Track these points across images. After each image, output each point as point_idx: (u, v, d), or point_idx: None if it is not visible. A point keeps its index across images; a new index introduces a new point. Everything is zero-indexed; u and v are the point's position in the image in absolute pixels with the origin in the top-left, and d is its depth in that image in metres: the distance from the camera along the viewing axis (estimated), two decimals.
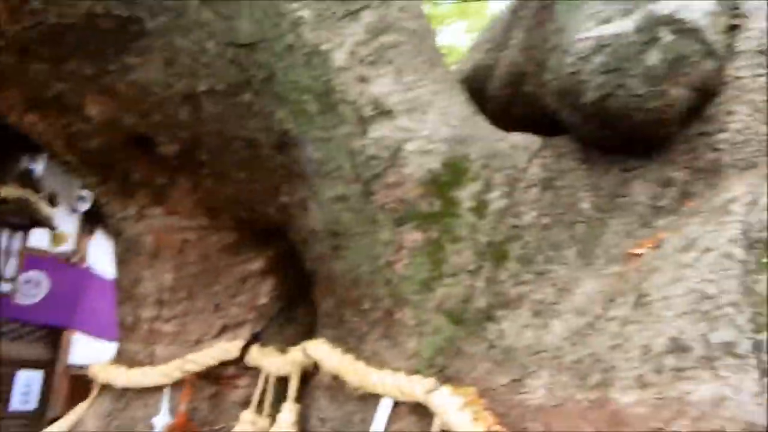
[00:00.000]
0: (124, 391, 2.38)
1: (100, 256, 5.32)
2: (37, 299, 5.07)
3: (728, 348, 1.32)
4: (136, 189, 2.21)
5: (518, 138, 1.95)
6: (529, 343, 1.65)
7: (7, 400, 4.95)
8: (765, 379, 1.27)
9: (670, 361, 1.38)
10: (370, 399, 1.87)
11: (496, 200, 1.84)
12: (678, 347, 1.38)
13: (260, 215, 2.21)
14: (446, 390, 1.68)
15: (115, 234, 2.43)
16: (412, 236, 1.83)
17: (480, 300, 1.75)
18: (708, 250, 1.45)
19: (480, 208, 1.83)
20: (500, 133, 1.97)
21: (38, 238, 4.36)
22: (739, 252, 1.39)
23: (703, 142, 1.77)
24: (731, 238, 1.42)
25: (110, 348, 2.72)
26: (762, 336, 1.30)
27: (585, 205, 1.82)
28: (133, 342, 2.38)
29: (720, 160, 1.75)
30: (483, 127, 2.01)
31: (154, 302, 2.33)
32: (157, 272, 2.31)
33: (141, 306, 2.35)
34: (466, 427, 1.58)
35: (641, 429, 1.38)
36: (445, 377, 1.73)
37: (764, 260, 1.35)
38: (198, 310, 2.34)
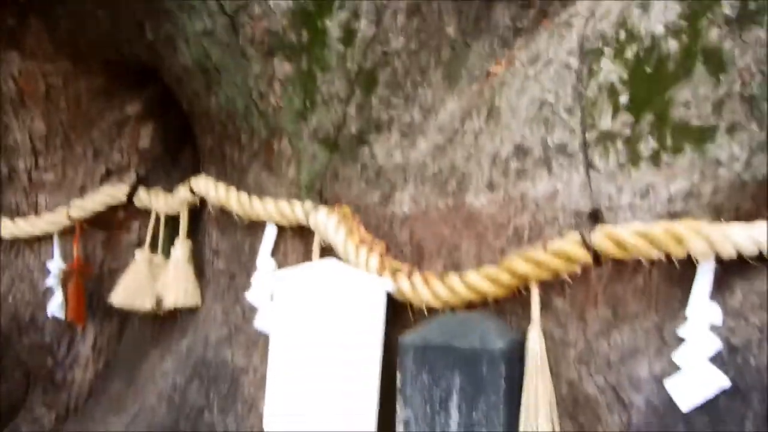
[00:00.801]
0: (14, 242, 2.38)
1: None
2: None
3: (561, 149, 1.48)
4: None
5: None
6: (397, 162, 1.77)
7: None
8: (591, 173, 1.45)
9: (514, 164, 1.54)
10: (256, 227, 1.98)
11: (364, 28, 1.85)
12: (520, 151, 1.53)
13: (128, 56, 2.13)
14: (323, 211, 1.80)
15: None
16: (283, 68, 1.85)
17: (352, 126, 1.83)
18: (549, 62, 1.57)
19: (348, 36, 1.84)
20: None
21: None
22: (574, 62, 1.52)
23: None
24: (569, 49, 1.54)
25: None
26: (589, 135, 1.46)
27: (450, 30, 1.88)
28: (14, 194, 2.33)
29: None
30: None
31: (29, 151, 2.27)
32: (25, 120, 2.23)
33: (15, 156, 2.28)
34: (343, 240, 1.72)
35: (491, 225, 1.56)
36: (323, 200, 1.85)
37: (595, 68, 1.48)
38: (78, 157, 2.30)
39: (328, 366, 1.66)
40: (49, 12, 1.96)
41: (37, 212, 2.33)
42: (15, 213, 2.35)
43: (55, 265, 2.32)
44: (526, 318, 1.48)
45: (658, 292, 1.41)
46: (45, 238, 2.36)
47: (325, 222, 1.77)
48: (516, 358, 1.42)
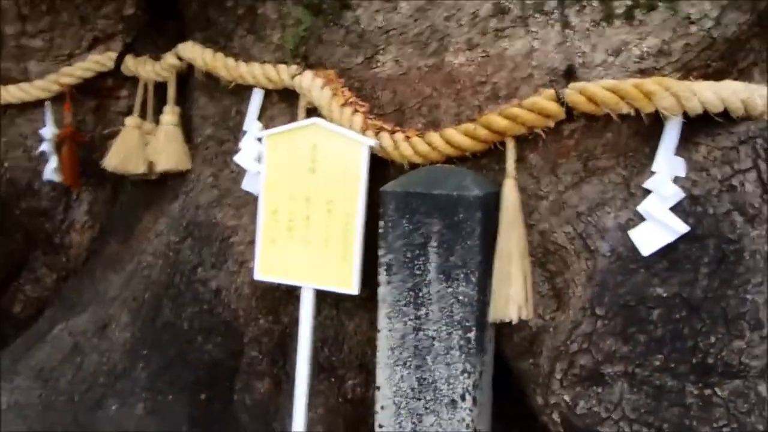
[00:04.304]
0: (6, 109, 2.29)
1: None
2: None
3: (538, 7, 1.43)
4: None
5: None
6: (380, 25, 1.70)
7: None
8: (566, 31, 1.41)
9: (493, 23, 1.49)
10: (243, 91, 1.92)
11: None
12: (499, 10, 1.47)
13: None
14: (309, 74, 1.74)
15: None
16: None
17: None
18: None
19: None
20: None
21: None
22: None
23: None
24: None
25: None
26: None
27: None
28: (3, 60, 2.22)
29: None
30: None
31: (15, 17, 2.14)
32: None
33: (2, 22, 2.15)
34: (327, 101, 1.68)
35: (470, 84, 1.53)
36: (308, 64, 1.79)
37: None
38: (64, 23, 2.18)
39: (314, 220, 1.67)
40: None
41: (27, 79, 2.23)
42: (6, 80, 2.24)
43: (49, 130, 2.25)
44: (502, 173, 1.48)
45: (626, 146, 1.41)
46: (36, 105, 2.28)
47: (311, 84, 1.72)
48: (491, 207, 1.44)
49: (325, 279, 1.67)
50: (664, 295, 1.34)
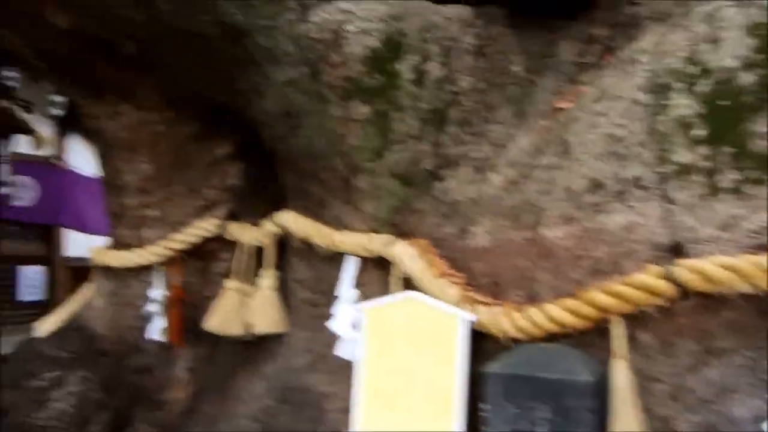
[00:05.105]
0: (121, 272, 2.43)
1: (78, 157, 5.21)
2: (29, 201, 5.03)
3: (636, 182, 1.39)
4: (105, 90, 2.16)
5: (451, 10, 1.89)
6: (471, 196, 1.71)
7: (15, 293, 5.04)
8: (669, 205, 1.35)
9: (589, 197, 1.45)
10: (338, 258, 1.95)
11: (434, 70, 1.82)
12: (595, 185, 1.44)
13: (221, 104, 2.16)
14: (402, 244, 1.75)
15: (94, 132, 2.38)
16: (360, 110, 1.82)
17: (426, 162, 1.78)
18: (618, 98, 1.48)
19: (419, 78, 1.81)
20: (434, 7, 1.92)
21: (22, 145, 4.27)
22: (644, 97, 1.42)
23: None
24: (637, 85, 1.45)
25: (98, 241, 2.74)
26: (664, 169, 1.36)
27: (516, 68, 1.82)
28: (123, 228, 2.40)
29: (639, 14, 1.74)
30: (417, 2, 1.95)
31: (137, 191, 2.33)
32: (135, 164, 2.30)
33: (125, 195, 2.35)
34: (422, 272, 1.67)
35: (568, 258, 1.47)
36: (401, 233, 1.80)
37: (666, 102, 1.39)
38: (177, 194, 2.35)
39: (411, 396, 1.60)
40: (158, 70, 2.02)
41: (142, 245, 2.38)
42: (124, 246, 2.40)
43: (158, 292, 2.36)
44: (605, 350, 1.38)
45: (750, 326, 1.28)
46: (146, 268, 2.40)
47: (404, 254, 1.72)
48: (603, 391, 1.33)
49: None
50: None
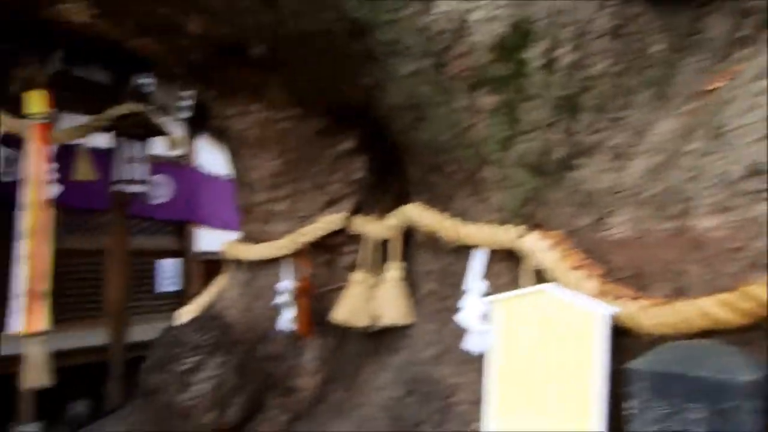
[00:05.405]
0: (252, 264, 2.57)
1: (207, 157, 5.58)
2: (163, 199, 5.44)
3: None
4: (236, 90, 2.28)
5: None
6: (609, 184, 1.64)
7: (155, 284, 5.50)
8: None
9: (748, 185, 1.35)
10: (465, 250, 1.94)
11: (565, 55, 1.76)
12: (755, 171, 1.33)
13: (345, 99, 2.23)
14: (534, 235, 1.72)
15: (224, 132, 2.53)
16: (487, 100, 1.80)
17: (558, 151, 1.73)
18: None
19: (550, 65, 1.76)
20: None
21: (158, 146, 4.63)
22: None
23: None
24: None
25: (228, 236, 2.91)
26: None
27: (657, 48, 1.72)
28: (253, 222, 2.53)
29: None
30: None
31: (266, 187, 2.45)
32: (264, 161, 2.42)
33: (255, 191, 2.48)
34: (556, 264, 1.63)
35: (721, 250, 1.38)
36: (532, 224, 1.77)
37: None
38: (303, 189, 2.44)
39: (546, 392, 1.57)
40: (285, 69, 2.11)
41: (271, 238, 2.50)
42: (254, 240, 2.54)
43: (286, 284, 2.47)
44: (763, 348, 1.28)
45: None
46: (275, 261, 2.52)
47: (536, 246, 1.69)
48: (764, 392, 1.23)
49: None
50: None
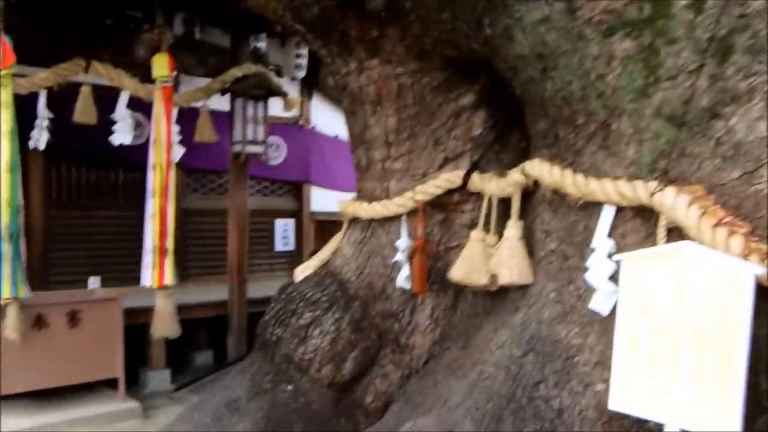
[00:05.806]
0: (368, 222, 2.62)
1: (320, 117, 5.73)
2: (279, 160, 5.68)
3: None
4: (354, 46, 2.29)
5: None
6: (764, 135, 1.50)
7: (272, 243, 5.79)
8: None
9: None
10: (591, 208, 1.87)
11: None
12: None
13: (466, 52, 2.18)
14: (671, 190, 1.61)
15: (341, 89, 2.56)
16: (623, 45, 1.70)
17: (703, 99, 1.60)
18: None
19: (697, 3, 1.62)
20: None
21: (273, 107, 4.79)
22: None
23: None
24: None
25: (342, 196, 2.97)
26: None
27: None
28: (369, 180, 2.57)
29: None
30: None
31: (383, 144, 2.47)
32: (381, 117, 2.43)
33: (372, 149, 2.50)
34: (696, 221, 1.52)
35: None
36: (668, 179, 1.66)
37: None
38: (421, 146, 2.44)
39: (681, 354, 1.49)
40: (402, 20, 2.09)
41: (388, 197, 2.53)
42: (371, 198, 2.58)
43: (403, 242, 2.50)
44: None
45: None
46: (393, 219, 2.55)
47: (674, 202, 1.58)
48: None
49: (696, 419, 1.46)
50: None
